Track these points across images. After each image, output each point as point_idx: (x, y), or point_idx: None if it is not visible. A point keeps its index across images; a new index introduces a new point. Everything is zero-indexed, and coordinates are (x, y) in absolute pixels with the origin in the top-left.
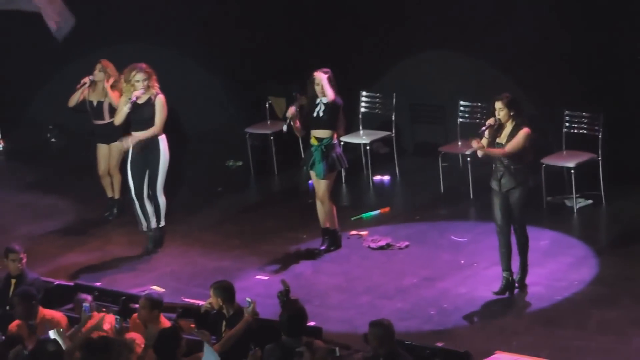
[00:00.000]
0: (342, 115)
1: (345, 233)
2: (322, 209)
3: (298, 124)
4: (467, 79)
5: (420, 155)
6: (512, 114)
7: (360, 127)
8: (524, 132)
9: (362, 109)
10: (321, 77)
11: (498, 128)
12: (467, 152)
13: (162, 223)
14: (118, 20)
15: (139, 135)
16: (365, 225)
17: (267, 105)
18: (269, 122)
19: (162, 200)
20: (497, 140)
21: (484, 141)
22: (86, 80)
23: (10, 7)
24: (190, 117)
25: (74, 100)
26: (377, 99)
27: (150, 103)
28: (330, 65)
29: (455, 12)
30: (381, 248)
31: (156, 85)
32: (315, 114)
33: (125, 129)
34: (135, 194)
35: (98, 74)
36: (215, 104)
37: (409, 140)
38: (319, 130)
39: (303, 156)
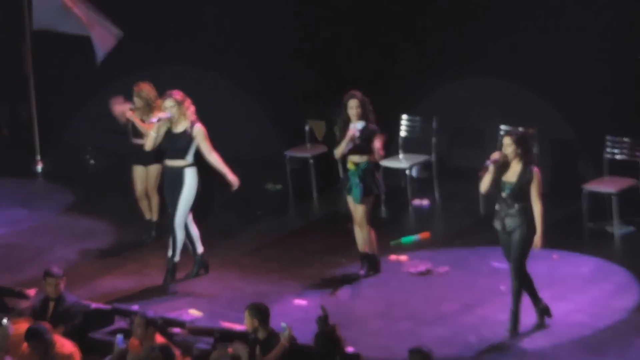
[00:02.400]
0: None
1: (384, 258)
2: (360, 233)
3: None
4: (508, 103)
5: (460, 180)
6: (519, 151)
7: (400, 151)
8: (538, 172)
9: (402, 133)
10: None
11: (504, 165)
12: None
13: (177, 258)
14: (155, 42)
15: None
16: (404, 250)
17: (306, 128)
18: (308, 146)
19: (180, 234)
20: (504, 178)
21: (487, 177)
22: (129, 114)
23: (55, 29)
24: (229, 140)
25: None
26: (418, 123)
27: (186, 133)
28: (371, 87)
29: (496, 36)
30: (421, 273)
31: (191, 112)
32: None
33: (159, 154)
34: None
35: (136, 101)
36: (254, 127)
37: (448, 164)
38: (355, 155)
39: (341, 179)
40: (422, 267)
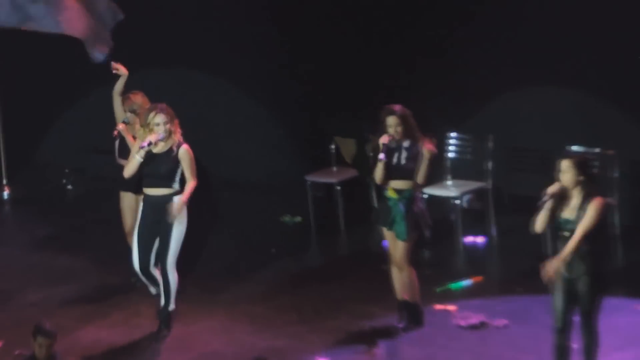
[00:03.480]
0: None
1: (428, 307)
2: (400, 276)
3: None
4: (579, 119)
5: (521, 212)
6: (580, 179)
7: (448, 177)
8: (597, 203)
9: (451, 154)
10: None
11: (560, 197)
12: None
13: (172, 306)
14: (149, 41)
15: (180, 202)
16: (453, 298)
17: (332, 148)
18: (334, 169)
19: (172, 277)
20: (563, 215)
21: (543, 213)
22: (120, 127)
23: (26, 27)
24: (237, 161)
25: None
26: (469, 142)
27: (170, 155)
28: (411, 98)
29: (564, 39)
30: (473, 327)
31: (178, 131)
32: (395, 161)
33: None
34: (141, 267)
35: (129, 116)
36: (270, 146)
37: (507, 192)
38: (398, 181)
39: (375, 209)
40: (474, 320)
